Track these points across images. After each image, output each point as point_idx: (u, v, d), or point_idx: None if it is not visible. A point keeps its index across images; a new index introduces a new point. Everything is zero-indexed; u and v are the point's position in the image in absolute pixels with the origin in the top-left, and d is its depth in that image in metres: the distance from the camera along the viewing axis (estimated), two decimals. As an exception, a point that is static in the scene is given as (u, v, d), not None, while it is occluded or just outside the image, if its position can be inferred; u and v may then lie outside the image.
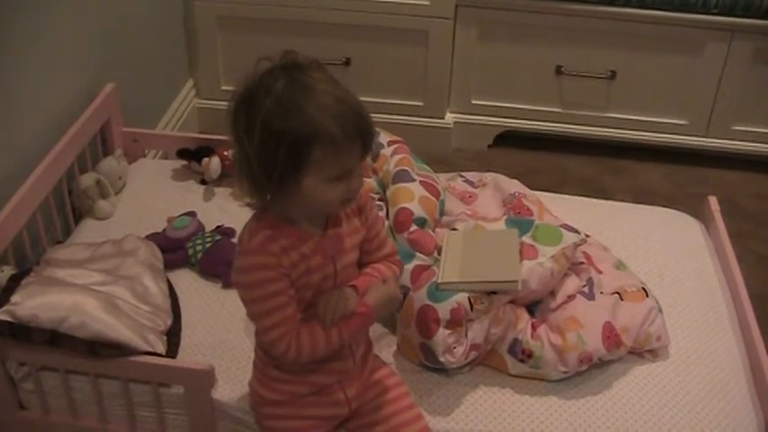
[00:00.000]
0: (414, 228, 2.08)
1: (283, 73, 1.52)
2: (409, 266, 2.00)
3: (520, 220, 2.14)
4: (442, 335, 1.86)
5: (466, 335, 1.89)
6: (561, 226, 2.09)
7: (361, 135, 1.50)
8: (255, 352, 1.78)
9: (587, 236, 2.16)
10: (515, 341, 1.93)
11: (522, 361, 1.93)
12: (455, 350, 1.88)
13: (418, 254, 2.03)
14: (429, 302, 1.89)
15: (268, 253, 1.56)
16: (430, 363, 1.93)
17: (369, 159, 2.34)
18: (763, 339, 2.00)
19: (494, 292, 1.90)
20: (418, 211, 2.11)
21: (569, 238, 2.04)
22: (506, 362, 1.94)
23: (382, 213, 2.18)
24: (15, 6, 2.19)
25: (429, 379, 1.94)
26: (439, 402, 1.89)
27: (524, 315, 1.98)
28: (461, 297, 1.87)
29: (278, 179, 1.49)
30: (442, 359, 1.88)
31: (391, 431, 1.77)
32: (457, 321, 1.87)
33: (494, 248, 2.00)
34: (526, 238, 2.03)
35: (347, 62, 3.35)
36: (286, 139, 1.46)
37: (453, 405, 1.89)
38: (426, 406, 1.87)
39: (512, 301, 1.97)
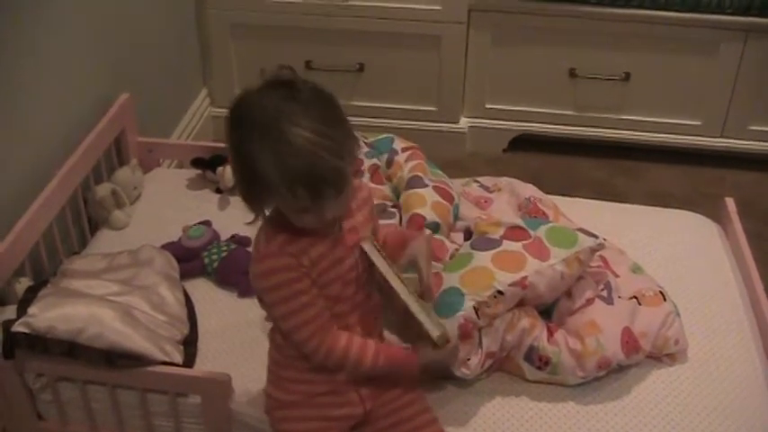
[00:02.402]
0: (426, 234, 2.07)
1: (254, 105, 1.53)
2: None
3: (535, 220, 2.13)
4: None
5: (480, 344, 1.88)
6: (578, 230, 2.07)
7: (304, 184, 1.49)
8: (270, 354, 1.79)
9: (604, 239, 2.15)
10: (531, 348, 1.91)
11: (539, 368, 1.91)
12: (469, 362, 1.87)
13: None
14: None
15: (287, 254, 1.59)
16: (447, 375, 1.91)
17: (383, 166, 2.34)
18: (782, 342, 1.99)
19: (501, 293, 1.86)
20: (431, 216, 2.11)
21: (585, 242, 1.99)
22: (523, 369, 1.93)
23: (395, 220, 2.18)
24: (28, 18, 2.20)
25: (445, 388, 1.92)
26: (456, 411, 1.89)
27: (539, 320, 1.96)
28: (467, 311, 1.84)
29: (252, 205, 1.59)
30: (458, 373, 1.87)
31: None
32: (467, 335, 1.85)
33: None
34: (539, 233, 2.00)
35: (361, 68, 3.35)
36: (240, 168, 1.57)
37: (470, 414, 1.88)
38: (443, 415, 1.85)
39: (521, 303, 1.94)
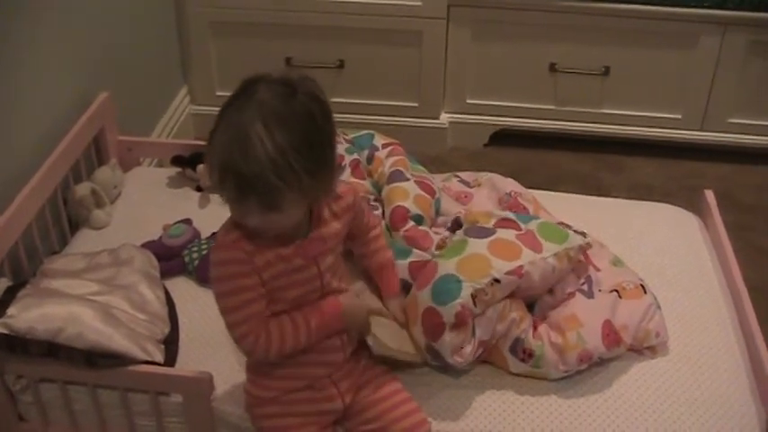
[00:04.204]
0: (410, 225, 2.08)
1: (254, 88, 1.53)
2: (405, 262, 2.00)
3: (525, 215, 2.13)
4: (449, 337, 1.84)
5: (473, 333, 1.88)
6: (561, 224, 2.07)
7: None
8: None
9: (583, 233, 2.16)
10: (517, 340, 1.91)
11: (522, 360, 1.92)
12: (463, 350, 1.87)
13: (415, 250, 2.03)
14: (433, 305, 1.85)
15: (240, 249, 1.60)
16: (438, 362, 1.91)
17: (364, 162, 2.34)
18: (762, 332, 1.99)
19: (497, 281, 1.86)
20: (413, 208, 2.12)
21: (575, 239, 2.01)
22: (507, 361, 1.93)
23: (378, 212, 2.18)
24: (5, 16, 2.18)
25: (429, 384, 1.92)
26: (439, 404, 1.89)
27: (528, 314, 1.97)
28: (465, 298, 1.83)
29: None
30: (450, 361, 1.86)
31: (387, 426, 1.77)
32: (463, 322, 1.84)
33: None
34: (531, 226, 2.01)
35: (341, 64, 3.35)
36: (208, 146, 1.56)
37: (454, 406, 1.88)
38: (427, 409, 1.86)
39: (511, 295, 1.93)
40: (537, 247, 1.94)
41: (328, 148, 1.57)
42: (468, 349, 1.87)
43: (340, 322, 1.72)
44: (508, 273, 1.87)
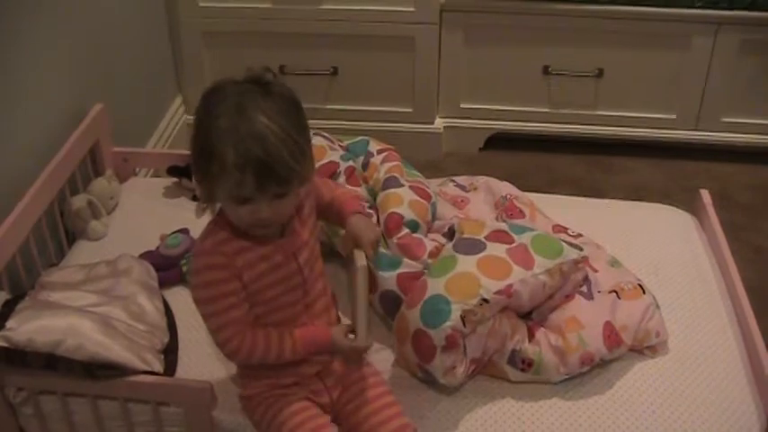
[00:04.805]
0: (404, 232, 2.08)
1: (228, 91, 1.57)
2: (393, 273, 2.01)
3: (521, 226, 2.11)
4: (440, 360, 1.84)
5: (465, 353, 1.87)
6: (558, 227, 2.07)
7: (254, 171, 1.51)
8: None
9: (580, 235, 2.16)
10: (514, 352, 1.91)
11: (522, 370, 1.91)
12: (455, 370, 1.87)
13: (406, 260, 2.03)
14: (423, 327, 1.85)
15: (220, 253, 1.63)
16: (431, 380, 1.91)
17: (359, 168, 2.34)
18: (760, 331, 1.99)
19: (486, 301, 1.85)
20: (408, 214, 2.11)
21: (569, 253, 1.98)
22: (507, 372, 1.93)
23: (373, 220, 2.18)
24: (-1, 30, 2.19)
25: (430, 390, 1.92)
26: (440, 412, 1.89)
27: (521, 324, 1.96)
28: (455, 320, 1.82)
29: (203, 189, 1.59)
30: (443, 381, 1.86)
31: (374, 428, 1.77)
32: (454, 344, 1.84)
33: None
34: (524, 239, 1.99)
35: (334, 71, 3.35)
36: (197, 148, 1.56)
37: (456, 414, 1.88)
38: (428, 420, 1.86)
39: (501, 309, 1.93)
40: (528, 263, 1.92)
41: (308, 129, 1.63)
42: (461, 369, 1.87)
43: (327, 348, 1.76)
44: (497, 293, 1.86)
